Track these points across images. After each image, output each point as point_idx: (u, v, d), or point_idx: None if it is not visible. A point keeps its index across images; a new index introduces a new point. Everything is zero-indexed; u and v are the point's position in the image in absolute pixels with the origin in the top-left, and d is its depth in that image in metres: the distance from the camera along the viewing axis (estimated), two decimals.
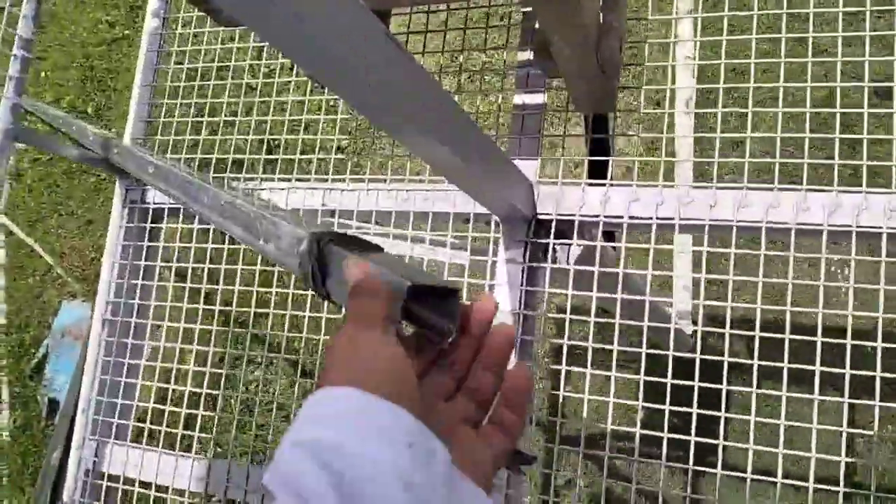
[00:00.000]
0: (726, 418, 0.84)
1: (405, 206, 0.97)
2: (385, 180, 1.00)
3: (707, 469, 0.82)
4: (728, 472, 0.80)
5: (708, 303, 0.86)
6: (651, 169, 1.77)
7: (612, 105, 0.92)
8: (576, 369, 0.87)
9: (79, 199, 3.01)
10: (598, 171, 0.96)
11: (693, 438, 0.81)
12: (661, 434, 0.84)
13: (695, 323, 1.71)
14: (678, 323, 1.69)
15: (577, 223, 0.89)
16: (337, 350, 0.39)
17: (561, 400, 0.95)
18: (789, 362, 0.77)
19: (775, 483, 0.79)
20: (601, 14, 0.79)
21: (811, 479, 0.77)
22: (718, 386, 0.81)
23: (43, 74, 3.10)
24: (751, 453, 0.79)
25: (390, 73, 0.44)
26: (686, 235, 1.68)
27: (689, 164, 1.70)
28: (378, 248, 0.51)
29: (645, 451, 0.87)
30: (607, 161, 0.93)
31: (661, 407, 0.82)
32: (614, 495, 1.47)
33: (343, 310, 0.51)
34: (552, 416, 1.97)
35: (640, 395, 0.89)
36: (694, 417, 0.80)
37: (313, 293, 0.51)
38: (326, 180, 1.03)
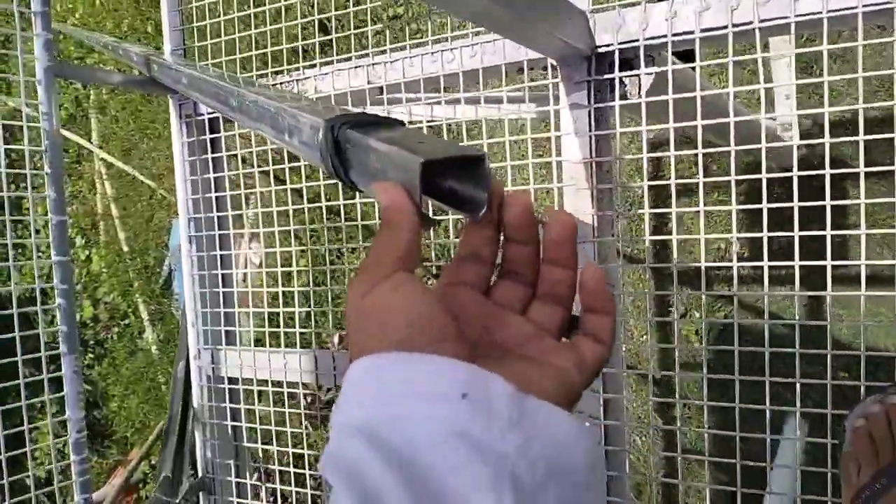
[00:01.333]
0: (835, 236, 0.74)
1: (451, 66, 0.90)
2: (427, 43, 0.92)
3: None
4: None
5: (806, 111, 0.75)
6: None
7: None
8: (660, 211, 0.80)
9: (162, 119, 3.08)
10: None
11: (797, 262, 0.74)
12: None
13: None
14: (782, 136, 1.54)
15: (642, 48, 0.79)
16: (354, 313, 0.35)
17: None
18: None
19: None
20: None
21: None
22: (821, 203, 0.71)
23: (98, 2, 3.10)
24: (863, 269, 0.71)
25: None
26: (783, 37, 1.49)
27: None
28: (399, 124, 0.45)
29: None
30: None
31: (759, 235, 0.75)
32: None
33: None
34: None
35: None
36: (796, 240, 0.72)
37: (341, 184, 0.47)
38: (368, 55, 0.96)
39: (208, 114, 1.11)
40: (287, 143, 0.56)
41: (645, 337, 2.02)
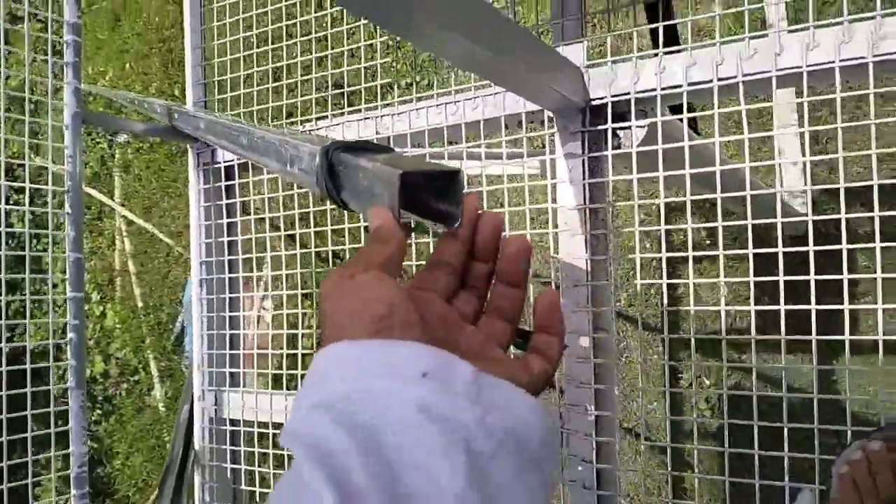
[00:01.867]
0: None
1: (455, 118, 0.95)
2: (432, 97, 0.97)
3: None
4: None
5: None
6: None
7: None
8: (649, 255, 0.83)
9: (183, 179, 3.18)
10: (657, 41, 0.88)
11: (814, 337, 0.75)
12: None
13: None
14: (790, 202, 1.57)
15: (633, 101, 0.83)
16: (335, 292, 0.37)
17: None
18: None
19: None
20: None
21: None
22: (838, 277, 0.73)
23: (127, 66, 3.26)
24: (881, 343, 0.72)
25: None
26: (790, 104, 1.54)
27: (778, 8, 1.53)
28: (387, 150, 0.49)
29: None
30: (661, 28, 0.86)
31: (776, 308, 0.76)
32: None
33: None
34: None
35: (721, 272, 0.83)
36: (813, 314, 0.74)
37: (336, 206, 0.50)
38: (376, 108, 1.02)
39: (224, 162, 1.16)
40: (289, 172, 0.60)
41: (654, 405, 2.01)
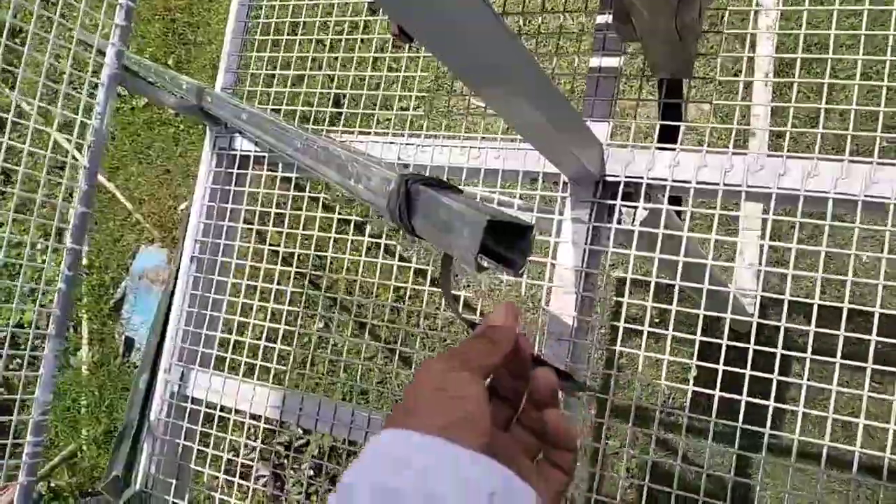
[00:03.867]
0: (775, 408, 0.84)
1: (476, 162, 1.02)
2: (459, 137, 1.04)
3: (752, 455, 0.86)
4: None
5: (771, 269, 0.88)
6: (725, 141, 1.77)
7: (688, 71, 0.93)
8: (634, 326, 0.91)
9: (158, 148, 3.15)
10: (669, 137, 0.98)
11: (740, 425, 0.84)
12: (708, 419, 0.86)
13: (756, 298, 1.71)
14: (740, 297, 1.69)
15: (644, 186, 0.92)
16: (422, 388, 0.39)
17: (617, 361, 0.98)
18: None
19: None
20: None
21: (854, 469, 0.79)
22: (769, 375, 0.82)
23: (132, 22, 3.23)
24: (796, 443, 0.81)
25: (481, 34, 0.48)
26: (755, 205, 1.67)
27: (765, 134, 1.67)
28: (458, 190, 0.55)
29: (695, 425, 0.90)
30: (678, 127, 0.95)
31: (712, 392, 0.85)
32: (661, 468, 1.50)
33: (419, 241, 0.54)
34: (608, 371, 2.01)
35: (695, 355, 0.92)
36: (742, 405, 0.83)
37: (399, 228, 0.56)
38: (403, 135, 1.08)
39: (241, 151, 1.20)
40: (349, 185, 0.65)
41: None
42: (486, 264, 0.49)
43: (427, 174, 1.07)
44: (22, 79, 1.04)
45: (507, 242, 0.49)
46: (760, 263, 0.89)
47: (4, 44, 0.98)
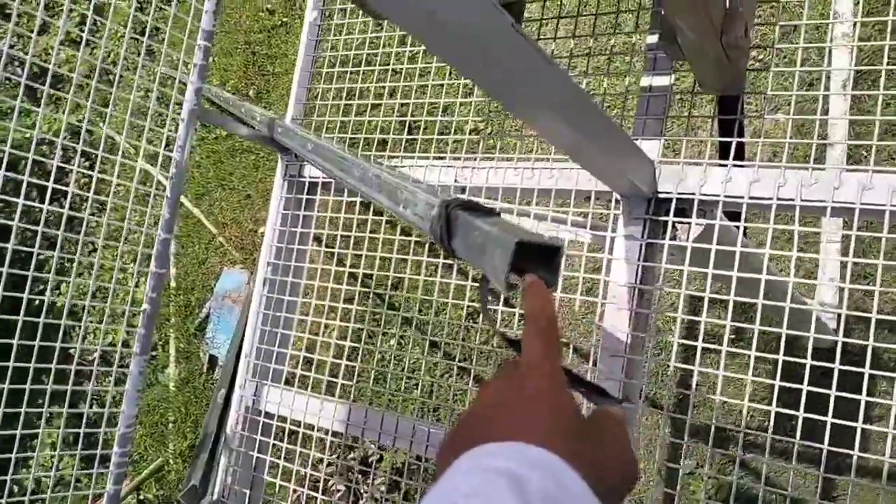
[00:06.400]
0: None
1: (530, 183, 1.04)
2: (513, 159, 1.07)
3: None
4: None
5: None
6: (801, 153, 1.73)
7: (738, 87, 0.93)
8: (688, 342, 0.91)
9: (239, 175, 3.31)
10: (725, 152, 0.98)
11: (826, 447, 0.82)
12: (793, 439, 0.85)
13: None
14: (821, 315, 1.64)
15: (696, 202, 0.92)
16: (509, 398, 0.42)
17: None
18: None
19: None
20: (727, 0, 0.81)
21: None
22: (857, 396, 0.80)
23: (210, 59, 3.43)
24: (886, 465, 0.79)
25: (516, 60, 0.51)
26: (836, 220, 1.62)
27: (843, 147, 1.63)
28: (496, 214, 0.58)
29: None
30: (731, 142, 0.95)
31: (795, 413, 0.83)
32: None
33: (461, 263, 0.58)
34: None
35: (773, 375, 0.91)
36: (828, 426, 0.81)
37: (442, 250, 0.60)
38: (459, 159, 1.12)
39: (310, 178, 1.27)
40: (398, 211, 0.69)
41: (651, 482, 2.05)
42: (515, 282, 0.52)
43: (483, 195, 1.11)
44: (111, 116, 1.14)
45: (538, 263, 0.52)
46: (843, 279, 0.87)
47: (95, 86, 1.08)
